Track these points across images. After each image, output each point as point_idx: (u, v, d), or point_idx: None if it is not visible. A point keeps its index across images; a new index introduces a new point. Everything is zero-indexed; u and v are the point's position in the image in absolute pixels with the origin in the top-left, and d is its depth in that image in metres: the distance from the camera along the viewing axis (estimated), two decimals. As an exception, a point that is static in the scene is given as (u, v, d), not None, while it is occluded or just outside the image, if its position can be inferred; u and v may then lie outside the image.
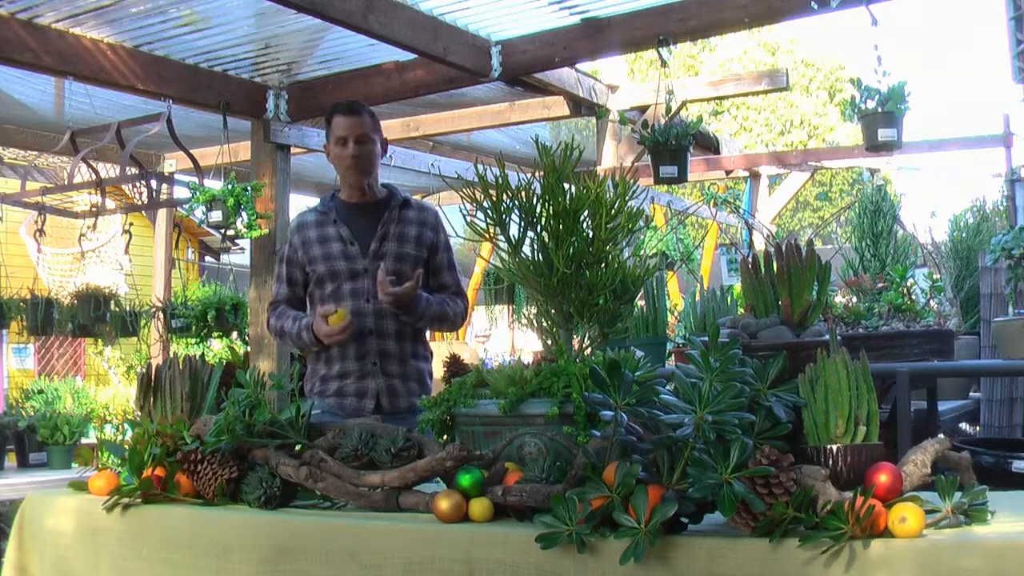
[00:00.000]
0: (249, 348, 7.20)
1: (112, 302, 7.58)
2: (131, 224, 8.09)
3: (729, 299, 5.34)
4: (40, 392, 10.20)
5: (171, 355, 3.77)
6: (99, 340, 9.76)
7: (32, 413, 5.85)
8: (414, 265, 4.07)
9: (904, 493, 2.25)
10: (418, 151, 9.50)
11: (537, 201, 2.78)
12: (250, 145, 7.05)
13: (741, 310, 3.38)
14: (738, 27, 5.80)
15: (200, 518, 2.86)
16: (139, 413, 3.32)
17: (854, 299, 5.17)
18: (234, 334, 7.84)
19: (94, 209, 7.59)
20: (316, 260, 4.11)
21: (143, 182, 7.12)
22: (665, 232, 7.67)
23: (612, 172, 2.97)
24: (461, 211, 2.97)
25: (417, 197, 4.79)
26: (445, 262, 4.21)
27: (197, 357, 3.33)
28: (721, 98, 10.09)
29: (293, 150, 7.10)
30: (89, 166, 7.36)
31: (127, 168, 7.01)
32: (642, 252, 7.33)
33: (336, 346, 3.99)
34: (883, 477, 2.23)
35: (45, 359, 13.32)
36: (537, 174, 2.83)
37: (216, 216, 6.28)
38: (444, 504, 2.50)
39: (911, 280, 5.28)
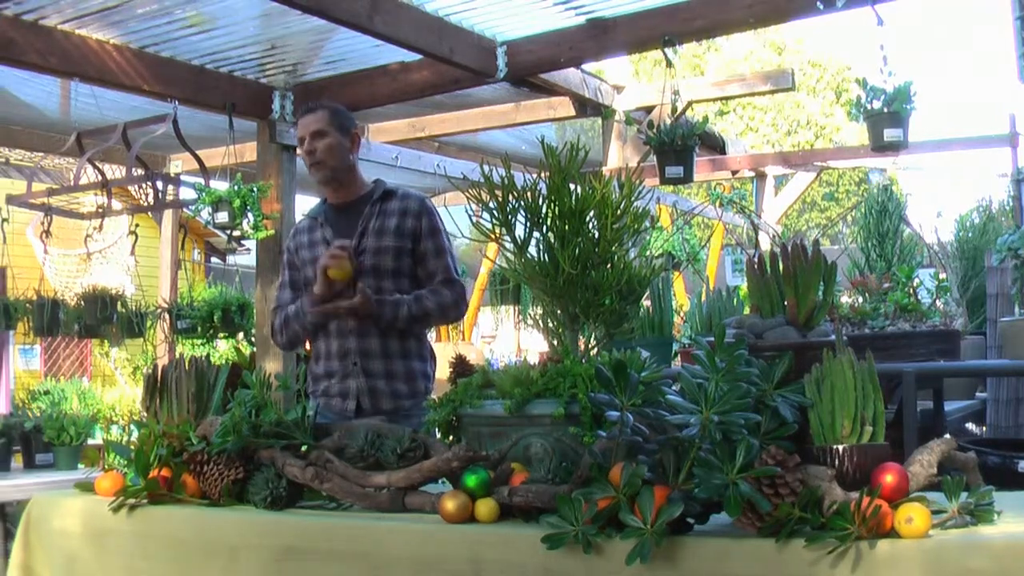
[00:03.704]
0: (255, 349, 7.21)
1: (118, 303, 7.60)
2: (137, 225, 8.11)
3: (735, 299, 5.34)
4: (46, 393, 10.25)
5: (177, 356, 3.77)
6: (105, 341, 9.78)
7: (38, 414, 5.86)
8: (395, 257, 3.99)
9: (910, 493, 2.25)
10: (424, 152, 9.50)
11: (543, 202, 2.78)
12: (256, 146, 7.05)
13: (747, 310, 3.38)
14: (744, 27, 5.79)
15: (206, 519, 2.87)
16: (145, 414, 3.33)
17: (860, 299, 5.17)
18: (240, 335, 7.85)
19: (100, 210, 7.60)
20: (305, 264, 4.10)
21: (149, 183, 7.13)
22: (671, 232, 7.66)
23: (618, 172, 2.96)
24: (467, 212, 2.97)
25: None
26: (431, 249, 4.05)
27: (203, 358, 3.34)
28: (727, 98, 10.11)
29: (298, 151, 7.10)
30: (95, 167, 7.37)
31: (133, 169, 7.02)
32: (648, 252, 7.33)
33: (333, 317, 3.94)
34: (889, 477, 2.22)
35: (51, 360, 13.36)
36: (543, 174, 2.82)
37: (222, 217, 6.28)
38: (450, 505, 2.50)
39: (917, 280, 5.28)
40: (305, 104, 4.13)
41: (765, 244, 9.16)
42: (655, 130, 5.69)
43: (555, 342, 2.87)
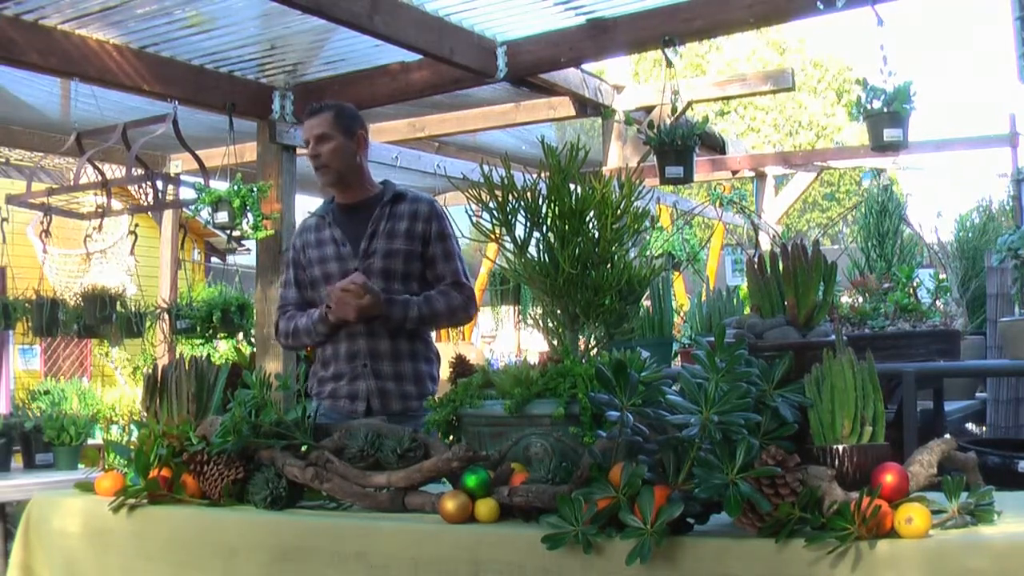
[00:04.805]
0: (255, 349, 7.21)
1: (118, 303, 7.60)
2: (137, 225, 8.12)
3: (735, 299, 5.34)
4: (46, 393, 10.25)
5: (177, 356, 3.77)
6: (105, 341, 9.79)
7: (38, 414, 5.86)
8: (405, 260, 4.00)
9: (910, 493, 2.25)
10: (424, 152, 9.51)
11: (543, 202, 2.78)
12: (256, 146, 7.06)
13: (747, 310, 3.39)
14: (744, 27, 5.79)
15: (206, 519, 2.87)
16: (145, 414, 3.33)
17: (860, 299, 5.17)
18: (240, 335, 7.85)
19: (100, 210, 7.61)
20: (312, 263, 4.10)
21: (149, 183, 7.13)
22: (671, 232, 7.66)
23: (618, 172, 2.96)
24: (467, 212, 2.97)
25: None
26: (440, 252, 4.06)
27: (203, 358, 3.34)
28: (727, 98, 10.09)
29: (299, 151, 7.10)
30: (95, 167, 7.37)
31: (133, 169, 7.02)
32: (648, 252, 7.33)
33: (345, 323, 3.91)
34: (889, 477, 2.22)
35: (51, 360, 13.36)
36: (543, 174, 2.82)
37: (222, 217, 6.28)
38: (450, 505, 2.50)
39: (917, 280, 5.28)
40: (310, 105, 4.12)
41: (765, 244, 9.16)
42: (655, 130, 5.69)
43: (555, 342, 2.87)
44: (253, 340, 7.46)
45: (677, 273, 7.77)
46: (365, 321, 3.90)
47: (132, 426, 7.48)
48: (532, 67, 6.22)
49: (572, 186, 2.77)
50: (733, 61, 29.65)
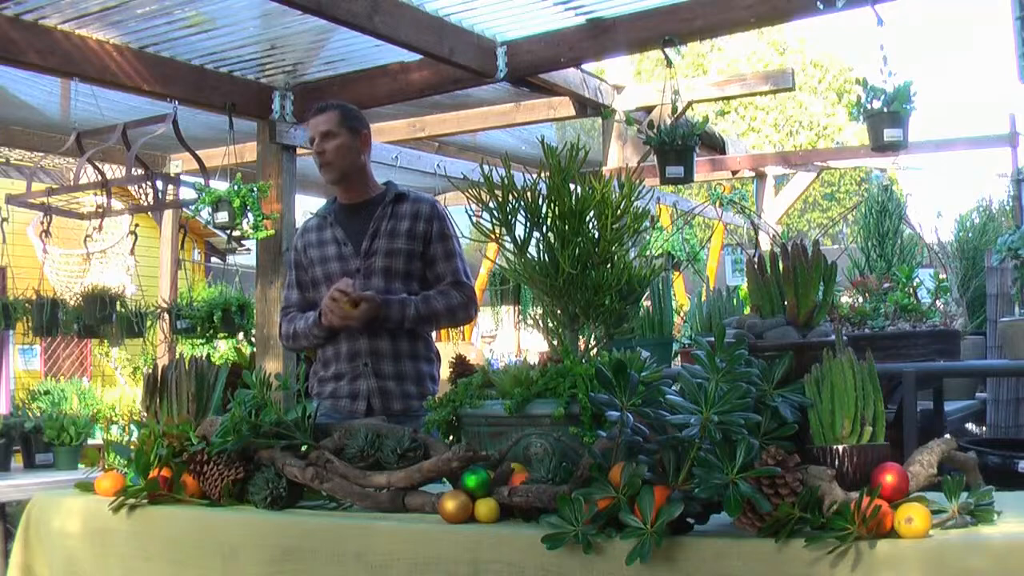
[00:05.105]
0: (255, 349, 7.21)
1: (118, 303, 7.60)
2: (137, 225, 8.12)
3: (735, 299, 5.34)
4: (46, 393, 10.24)
5: (177, 356, 3.76)
6: (105, 341, 9.79)
7: (38, 414, 5.86)
8: (406, 260, 4.01)
9: (910, 493, 2.25)
10: (424, 152, 9.50)
11: (543, 202, 2.78)
12: (256, 146, 7.06)
13: (747, 310, 3.38)
14: (744, 27, 5.79)
15: (206, 519, 2.87)
16: (145, 414, 3.33)
17: (860, 299, 5.17)
18: (240, 335, 7.85)
19: (100, 210, 7.61)
20: (314, 263, 4.11)
21: (149, 183, 7.13)
22: (671, 232, 7.66)
23: (618, 172, 2.96)
24: (467, 212, 2.97)
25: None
26: (440, 252, 4.07)
27: (203, 358, 3.34)
28: (727, 98, 10.08)
29: (299, 151, 7.11)
30: (95, 167, 7.37)
31: (133, 169, 7.02)
32: (648, 252, 7.32)
33: (342, 326, 3.91)
34: (889, 477, 2.22)
35: (51, 360, 13.35)
36: (543, 174, 2.82)
37: (222, 217, 6.28)
38: (450, 505, 2.50)
39: (917, 280, 5.27)
40: (316, 104, 4.14)
41: (765, 244, 9.16)
42: (655, 130, 5.69)
43: (555, 342, 2.87)
44: (253, 340, 7.46)
45: (677, 273, 7.77)
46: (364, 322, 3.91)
47: (132, 426, 7.48)
48: (532, 67, 6.22)
49: (572, 186, 2.77)
50: (734, 61, 29.64)
